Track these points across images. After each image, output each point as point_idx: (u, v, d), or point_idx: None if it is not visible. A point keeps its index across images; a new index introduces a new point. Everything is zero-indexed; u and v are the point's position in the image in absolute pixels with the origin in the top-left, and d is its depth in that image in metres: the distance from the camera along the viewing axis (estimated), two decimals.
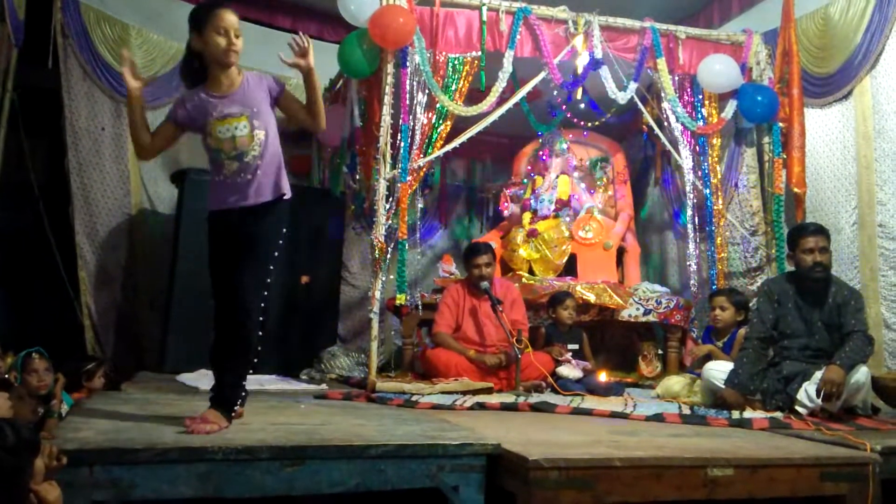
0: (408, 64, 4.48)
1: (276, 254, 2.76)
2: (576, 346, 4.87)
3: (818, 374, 3.57)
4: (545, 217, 5.76)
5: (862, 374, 3.54)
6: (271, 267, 2.73)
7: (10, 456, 1.70)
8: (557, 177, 5.89)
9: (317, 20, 6.63)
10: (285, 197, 2.80)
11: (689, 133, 5.14)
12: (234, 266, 2.67)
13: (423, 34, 4.53)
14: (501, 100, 4.76)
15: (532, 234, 5.67)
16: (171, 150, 5.93)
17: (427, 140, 4.60)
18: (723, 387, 3.85)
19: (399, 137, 4.49)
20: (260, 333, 2.71)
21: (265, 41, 6.18)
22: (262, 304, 2.70)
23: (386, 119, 4.43)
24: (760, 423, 3.33)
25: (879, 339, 4.41)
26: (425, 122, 4.57)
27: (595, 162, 6.09)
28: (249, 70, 2.87)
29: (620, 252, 5.87)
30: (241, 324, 2.65)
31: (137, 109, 2.74)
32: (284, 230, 2.81)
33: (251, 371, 2.75)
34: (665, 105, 5.08)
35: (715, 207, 5.15)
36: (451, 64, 4.62)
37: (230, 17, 2.71)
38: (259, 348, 2.70)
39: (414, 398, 3.88)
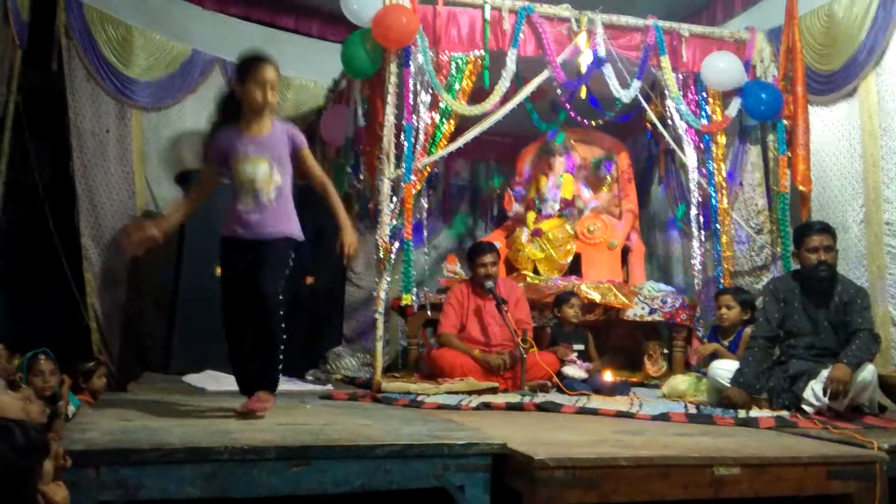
0: (411, 63, 4.48)
1: (287, 272, 3.09)
2: (581, 347, 4.87)
3: (824, 373, 3.55)
4: (549, 216, 5.76)
5: (868, 372, 3.53)
6: (283, 280, 3.06)
7: (19, 457, 1.70)
8: (561, 176, 5.88)
9: (319, 20, 6.65)
10: (293, 237, 3.11)
11: (693, 131, 5.13)
12: (251, 280, 2.98)
13: (426, 33, 4.53)
14: (505, 99, 4.75)
15: (536, 234, 5.66)
16: (175, 152, 6.00)
17: (431, 139, 4.60)
18: (729, 386, 3.83)
19: (402, 137, 4.49)
20: (283, 325, 3.03)
21: (268, 41, 6.21)
22: (279, 306, 3.02)
23: (389, 119, 4.43)
24: (767, 422, 3.32)
25: (887, 337, 4.40)
26: (429, 121, 4.57)
27: (599, 161, 6.07)
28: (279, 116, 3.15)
29: (625, 251, 5.86)
30: (267, 327, 3.00)
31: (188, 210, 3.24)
32: (291, 262, 3.13)
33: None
34: (669, 103, 5.07)
35: (720, 206, 5.14)
36: (454, 63, 4.62)
37: (269, 74, 3.00)
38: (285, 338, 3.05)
39: (419, 398, 3.88)
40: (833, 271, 3.81)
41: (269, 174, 3.00)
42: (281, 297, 3.01)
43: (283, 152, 3.06)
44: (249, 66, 3.01)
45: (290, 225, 3.09)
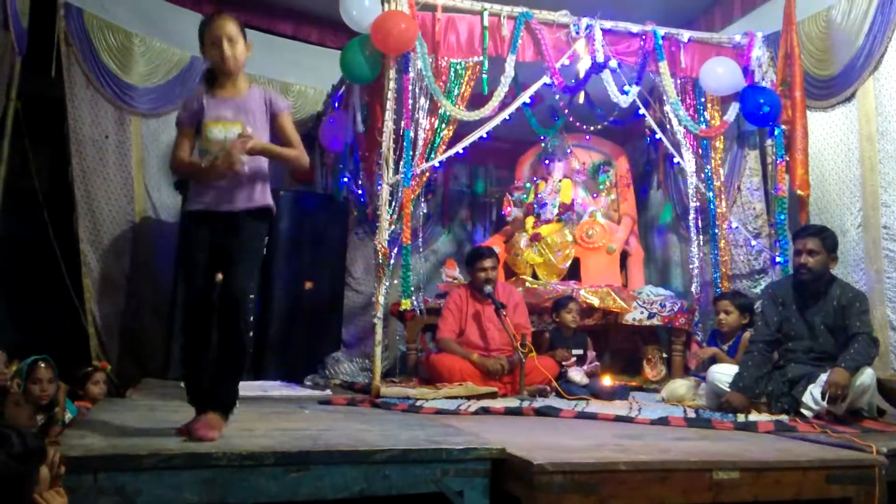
0: (410, 69, 4.49)
1: (262, 255, 2.77)
2: (580, 351, 4.86)
3: (823, 377, 3.55)
4: (548, 221, 5.76)
5: (867, 376, 3.53)
6: (256, 269, 2.74)
7: (16, 463, 1.70)
8: (560, 181, 5.90)
9: (318, 26, 6.66)
10: (266, 208, 2.77)
11: (691, 136, 5.14)
12: (223, 273, 2.67)
13: (425, 39, 4.54)
14: (504, 104, 4.76)
15: (535, 239, 5.67)
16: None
17: (430, 145, 4.61)
18: (728, 390, 3.84)
19: (401, 143, 4.49)
20: (251, 334, 2.73)
21: (267, 47, 6.22)
22: (251, 306, 2.70)
23: (388, 124, 4.43)
24: (766, 426, 3.32)
25: (885, 340, 4.39)
26: (428, 127, 4.58)
27: (598, 166, 6.09)
28: (258, 82, 2.88)
29: (624, 256, 5.87)
30: (239, 331, 2.65)
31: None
32: (266, 239, 2.79)
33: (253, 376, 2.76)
34: (667, 108, 5.08)
35: (718, 210, 5.15)
36: (453, 69, 4.63)
37: (220, 27, 2.76)
38: (251, 350, 2.69)
39: (418, 403, 3.88)
40: (816, 275, 3.79)
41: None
42: (252, 296, 2.71)
43: (259, 117, 2.77)
44: (201, 29, 2.81)
45: (262, 195, 2.75)
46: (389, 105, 4.43)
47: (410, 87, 4.50)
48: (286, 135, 2.82)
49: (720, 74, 4.98)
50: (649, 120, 5.18)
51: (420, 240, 5.41)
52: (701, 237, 5.20)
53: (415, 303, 4.97)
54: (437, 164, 4.74)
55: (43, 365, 3.51)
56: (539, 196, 5.88)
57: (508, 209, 6.07)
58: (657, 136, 5.29)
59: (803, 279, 3.81)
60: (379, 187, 4.45)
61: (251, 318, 2.70)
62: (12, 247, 5.77)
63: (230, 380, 2.69)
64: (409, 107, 4.50)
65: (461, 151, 4.78)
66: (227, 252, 2.67)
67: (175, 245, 5.53)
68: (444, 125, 4.63)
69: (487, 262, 4.77)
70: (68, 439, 2.38)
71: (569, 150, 6.00)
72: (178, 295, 5.33)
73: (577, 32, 4.80)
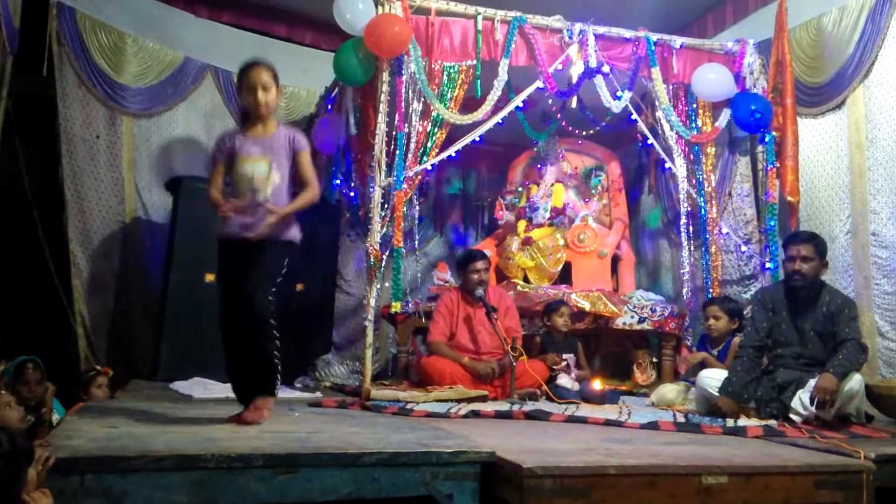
0: (403, 72, 4.49)
1: (279, 279, 3.11)
2: (571, 355, 4.86)
3: (812, 382, 3.57)
4: (540, 225, 5.77)
5: (856, 382, 3.54)
6: (274, 288, 3.08)
7: (4, 464, 1.69)
8: (552, 185, 5.91)
9: (312, 28, 6.66)
10: (290, 241, 3.13)
11: (683, 142, 5.17)
12: (244, 284, 3.01)
13: (419, 43, 4.55)
14: (496, 108, 4.77)
15: (527, 243, 5.67)
16: (165, 158, 5.99)
17: (422, 148, 4.61)
18: (717, 395, 3.84)
19: (394, 145, 4.49)
20: (276, 333, 3.08)
21: (261, 49, 6.20)
22: (272, 309, 3.07)
23: (381, 127, 4.43)
24: (755, 431, 3.33)
25: (873, 347, 4.42)
26: (420, 130, 4.58)
27: (590, 170, 6.10)
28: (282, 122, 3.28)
29: (615, 260, 5.88)
30: (259, 343, 3.02)
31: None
32: (285, 267, 3.13)
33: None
34: (659, 114, 5.10)
35: (709, 216, 5.17)
36: (446, 72, 4.63)
37: (256, 75, 3.13)
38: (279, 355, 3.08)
39: (408, 406, 3.87)
40: (809, 281, 3.81)
41: (267, 173, 3.07)
42: (272, 308, 3.06)
43: (283, 154, 3.14)
44: (240, 75, 3.17)
45: (287, 228, 3.11)
46: (382, 108, 4.43)
47: (403, 90, 4.50)
48: (304, 172, 3.19)
49: (712, 81, 5.01)
50: (641, 125, 5.20)
51: (412, 243, 5.41)
52: (692, 242, 5.22)
53: (405, 305, 4.97)
54: (429, 168, 4.75)
55: (31, 366, 3.48)
56: (531, 200, 5.89)
57: (500, 213, 6.08)
58: (649, 142, 5.31)
59: (796, 285, 3.82)
60: (371, 190, 4.45)
61: (272, 326, 3.04)
62: (1, 247, 5.74)
63: (266, 373, 3.06)
64: (402, 110, 4.51)
65: (454, 155, 4.79)
66: (250, 269, 3.01)
67: (165, 246, 5.51)
68: (436, 128, 4.63)
69: (479, 264, 4.77)
70: (55, 440, 2.37)
71: (561, 155, 6.01)
72: (167, 296, 5.31)
73: (571, 37, 4.82)
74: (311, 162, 3.27)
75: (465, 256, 4.96)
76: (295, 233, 3.16)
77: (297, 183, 3.21)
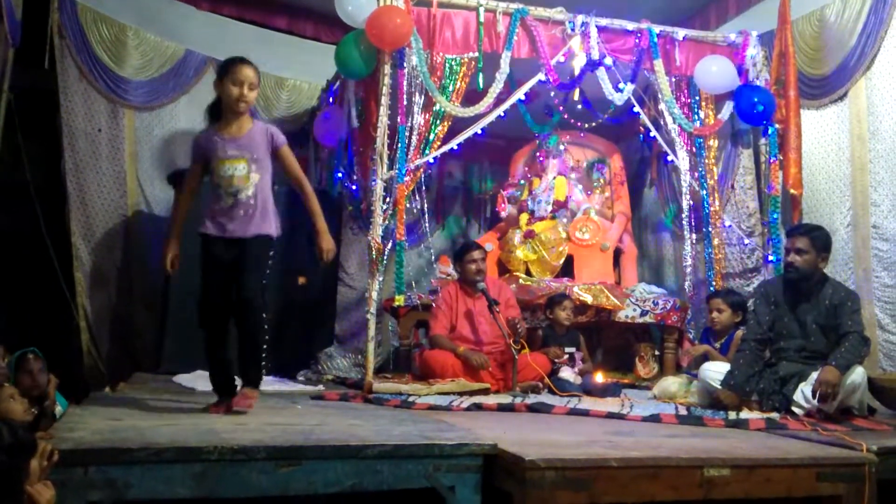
0: (405, 65, 4.48)
1: (267, 272, 3.19)
2: (573, 349, 4.87)
3: (814, 375, 3.57)
4: (542, 218, 5.76)
5: (858, 374, 3.55)
6: (264, 281, 3.18)
7: (6, 456, 1.70)
8: (554, 178, 5.89)
9: (313, 21, 6.63)
10: (271, 235, 3.21)
11: (685, 134, 5.15)
12: (234, 283, 3.12)
13: (421, 35, 4.53)
14: (498, 101, 4.76)
15: (529, 236, 5.67)
16: (167, 152, 5.98)
17: (424, 141, 4.60)
18: (719, 387, 3.85)
19: (396, 138, 4.49)
20: (265, 326, 3.19)
21: (262, 42, 6.20)
22: (264, 300, 3.17)
23: (383, 120, 4.43)
24: (757, 424, 3.33)
25: (874, 339, 4.41)
26: (422, 122, 4.57)
27: (592, 163, 6.09)
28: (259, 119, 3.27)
29: (617, 253, 5.87)
30: (253, 325, 3.12)
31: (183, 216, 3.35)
32: (270, 258, 3.22)
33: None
34: (662, 106, 5.09)
35: (711, 208, 5.16)
36: (448, 65, 4.62)
37: (246, 72, 3.13)
38: (266, 337, 3.20)
39: (411, 399, 3.88)
40: (803, 273, 3.80)
41: (246, 173, 3.11)
42: (264, 300, 3.15)
43: (261, 152, 3.16)
44: (228, 65, 3.16)
45: (268, 224, 3.19)
46: (384, 100, 4.42)
47: (405, 83, 4.49)
48: (291, 168, 3.30)
49: (715, 73, 4.99)
50: (644, 118, 5.18)
51: (414, 236, 5.41)
52: (694, 235, 5.21)
53: (407, 298, 4.97)
54: (431, 160, 4.74)
55: (31, 357, 3.48)
56: (533, 193, 5.88)
57: (503, 206, 6.07)
58: (651, 134, 5.30)
59: (790, 277, 3.83)
60: (373, 183, 4.44)
61: (263, 318, 3.16)
62: (4, 240, 5.74)
63: (254, 364, 3.17)
64: (404, 102, 4.50)
65: (456, 148, 4.78)
66: (237, 266, 3.10)
67: (168, 238, 5.49)
68: (438, 121, 4.62)
69: (476, 254, 4.79)
70: (59, 432, 2.38)
71: (563, 148, 6.00)
72: (169, 289, 5.31)
73: (573, 29, 4.80)
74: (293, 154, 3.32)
75: (461, 249, 5.00)
76: (273, 227, 3.22)
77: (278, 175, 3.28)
